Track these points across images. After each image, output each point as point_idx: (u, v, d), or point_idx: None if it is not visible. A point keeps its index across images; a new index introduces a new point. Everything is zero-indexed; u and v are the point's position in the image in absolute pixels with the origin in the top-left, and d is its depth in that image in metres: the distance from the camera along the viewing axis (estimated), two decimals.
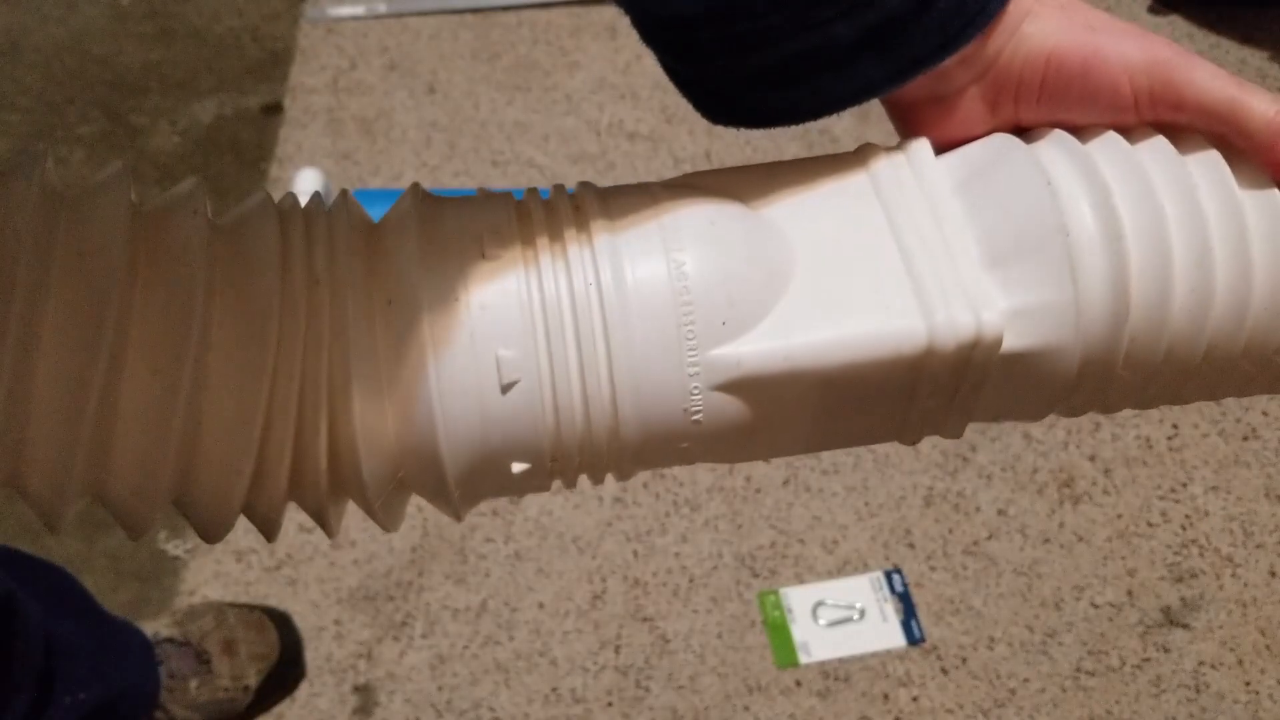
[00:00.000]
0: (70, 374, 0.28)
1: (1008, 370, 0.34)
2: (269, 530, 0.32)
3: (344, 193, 0.33)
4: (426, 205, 0.32)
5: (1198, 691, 0.94)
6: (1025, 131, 0.35)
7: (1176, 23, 1.42)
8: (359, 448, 0.30)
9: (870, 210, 0.33)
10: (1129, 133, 0.34)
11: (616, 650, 0.95)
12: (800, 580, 0.99)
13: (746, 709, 0.92)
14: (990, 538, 1.01)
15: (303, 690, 0.93)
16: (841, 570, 0.99)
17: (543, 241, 0.31)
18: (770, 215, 0.33)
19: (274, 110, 1.34)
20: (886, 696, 0.93)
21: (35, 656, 0.73)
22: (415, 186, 0.33)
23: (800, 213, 0.33)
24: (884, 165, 0.34)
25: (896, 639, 0.96)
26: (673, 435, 0.32)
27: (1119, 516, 1.03)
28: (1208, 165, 0.33)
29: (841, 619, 0.97)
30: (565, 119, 1.32)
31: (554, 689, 0.93)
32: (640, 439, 0.32)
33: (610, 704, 0.92)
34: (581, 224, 0.31)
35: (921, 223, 0.33)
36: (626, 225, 0.31)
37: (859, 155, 0.34)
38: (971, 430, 1.07)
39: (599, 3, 1.43)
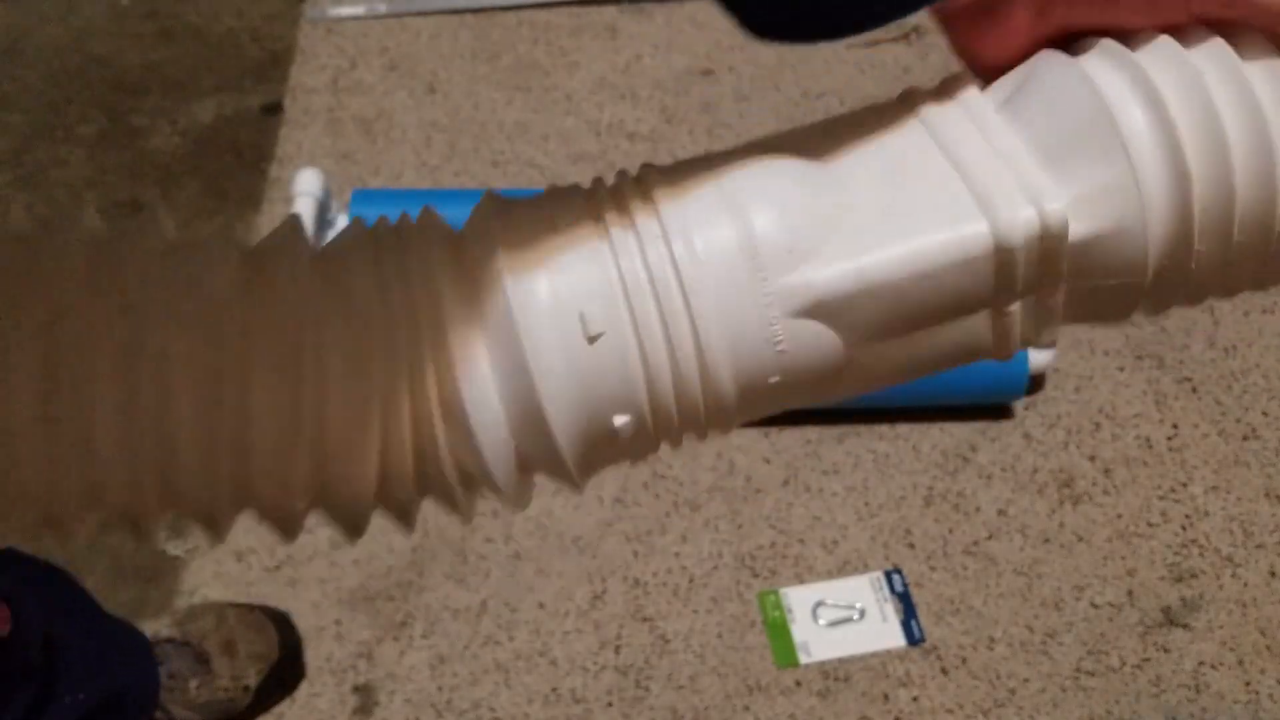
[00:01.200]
0: (284, 401, 0.31)
1: (1081, 262, 0.34)
2: (406, 522, 0.35)
3: (427, 209, 0.37)
4: (501, 202, 0.35)
5: (1198, 691, 0.94)
6: (1075, 41, 0.34)
7: None
8: (473, 428, 0.32)
9: (920, 137, 0.34)
10: (1181, 33, 0.33)
11: (616, 650, 0.95)
12: (800, 580, 0.99)
13: (746, 709, 0.92)
14: (990, 538, 1.01)
15: (303, 690, 0.93)
16: (841, 570, 0.99)
17: (610, 211, 0.33)
18: (825, 153, 0.34)
19: (274, 110, 1.34)
20: (886, 696, 0.93)
21: (36, 656, 0.73)
22: (489, 193, 0.36)
23: (854, 148, 0.34)
24: (926, 99, 0.35)
25: (896, 639, 0.96)
26: (762, 370, 0.33)
27: (1119, 516, 1.03)
28: (1262, 65, 0.33)
29: (841, 619, 0.97)
30: (565, 119, 1.32)
31: (554, 689, 0.93)
32: (731, 379, 0.33)
33: (610, 704, 0.92)
34: (645, 191, 0.33)
35: (971, 139, 0.34)
36: (687, 181, 0.33)
37: (901, 98, 0.35)
38: (971, 430, 1.07)
39: (599, 3, 1.43)
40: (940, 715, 0.92)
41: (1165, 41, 0.33)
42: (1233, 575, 1.00)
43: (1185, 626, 0.97)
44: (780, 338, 0.33)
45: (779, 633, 0.96)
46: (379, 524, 0.92)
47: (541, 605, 0.97)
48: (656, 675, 0.94)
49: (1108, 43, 0.33)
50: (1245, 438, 1.08)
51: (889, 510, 1.03)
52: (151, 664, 0.85)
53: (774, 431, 1.07)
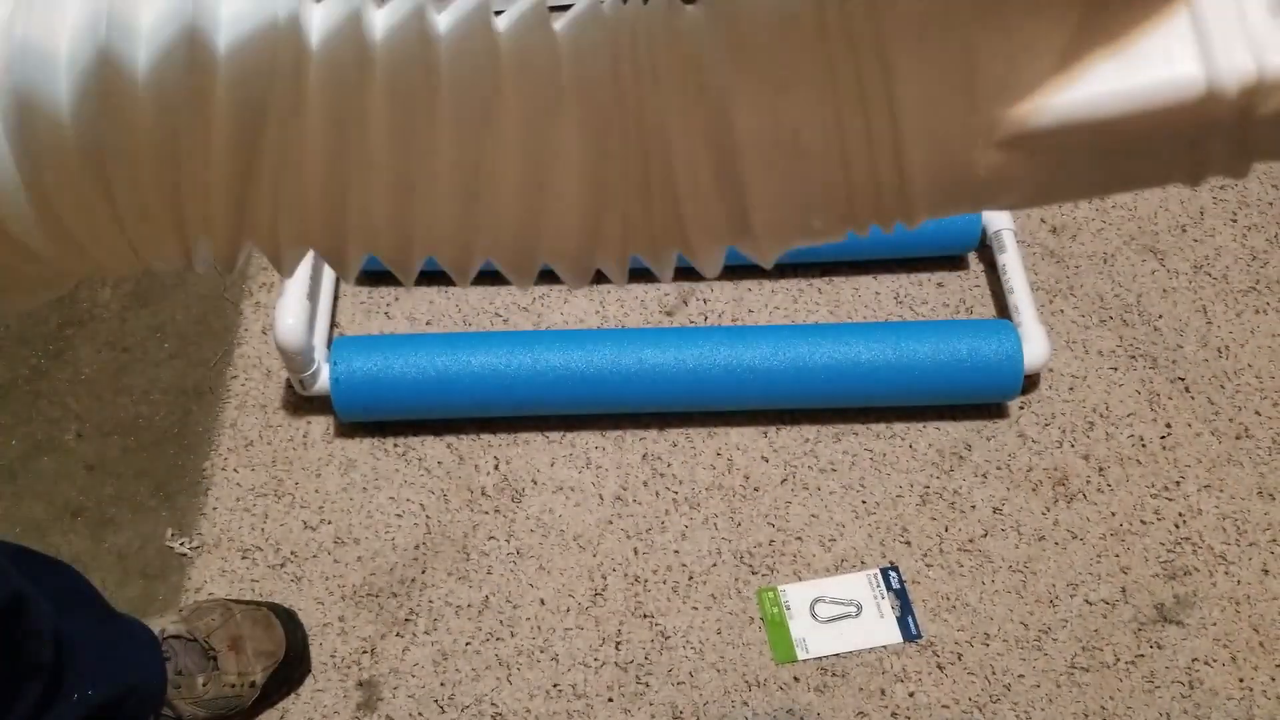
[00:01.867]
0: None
1: None
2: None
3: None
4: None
5: (1191, 688, 0.95)
6: None
7: None
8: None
9: None
10: None
11: (617, 646, 0.96)
12: (798, 577, 1.00)
13: (745, 704, 0.93)
14: (986, 535, 1.02)
15: (307, 686, 0.94)
16: (839, 567, 1.01)
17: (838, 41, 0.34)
18: None
19: None
20: (883, 692, 0.94)
21: (45, 653, 0.74)
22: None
23: None
24: None
25: (893, 635, 0.97)
26: (959, 185, 0.35)
27: (1113, 514, 1.04)
28: None
29: (839, 615, 0.98)
30: None
31: (555, 684, 0.94)
32: (931, 191, 0.35)
33: (611, 699, 0.93)
34: (875, 19, 0.34)
35: None
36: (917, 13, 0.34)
37: None
38: (967, 429, 1.08)
39: None
40: (936, 710, 0.93)
41: None
42: (1226, 573, 1.01)
43: (1179, 623, 0.98)
44: (983, 162, 0.34)
45: (777, 629, 0.97)
46: (380, 523, 0.95)
47: (543, 602, 0.98)
48: (656, 671, 0.95)
49: None
50: (1238, 437, 1.09)
51: (886, 508, 1.04)
52: (159, 661, 0.85)
53: (772, 430, 1.08)
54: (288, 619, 0.94)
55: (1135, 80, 0.33)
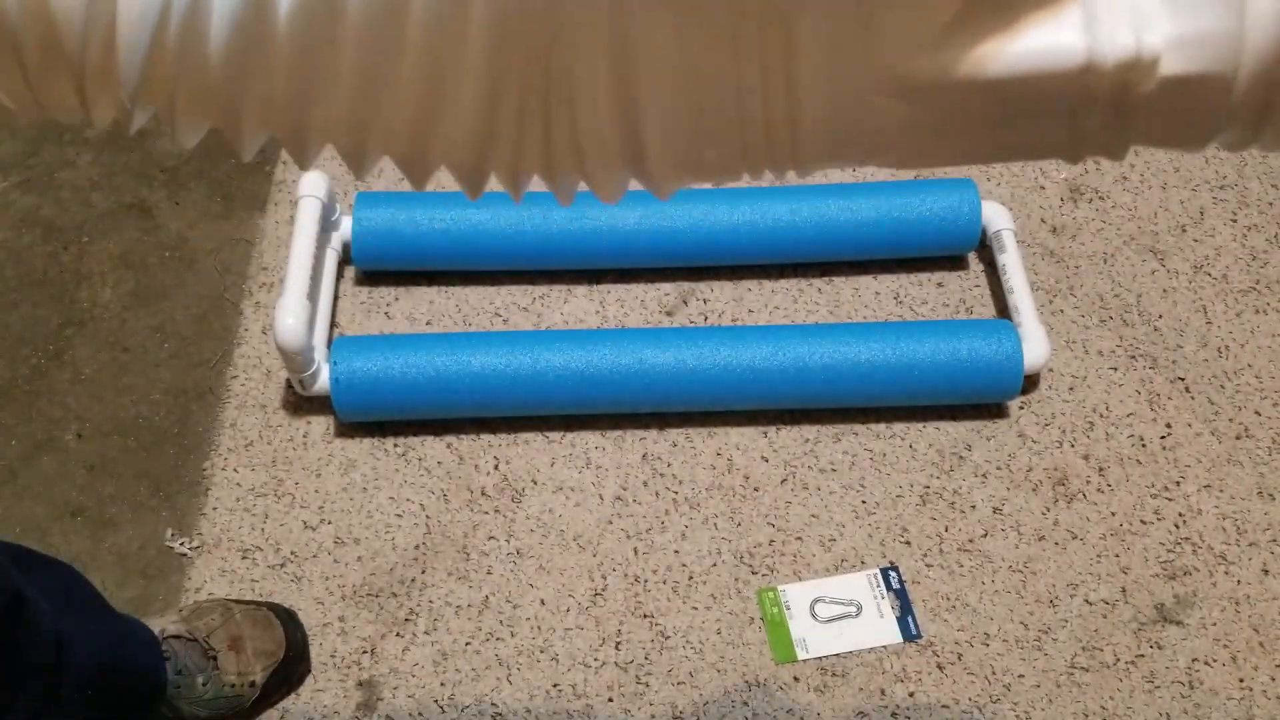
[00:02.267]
0: None
1: (1166, 95, 0.35)
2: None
3: None
4: None
5: (1191, 688, 0.95)
6: None
7: None
8: None
9: None
10: None
11: (617, 646, 0.96)
12: (798, 577, 1.00)
13: (745, 704, 0.93)
14: (986, 535, 1.02)
15: (307, 685, 0.94)
16: (839, 567, 1.01)
17: None
18: None
19: None
20: (883, 692, 0.94)
21: (45, 653, 0.74)
22: None
23: None
24: None
25: (893, 635, 0.97)
26: (852, 133, 0.36)
27: (1113, 514, 1.04)
28: None
29: (839, 615, 0.98)
30: None
31: (555, 684, 0.94)
32: (824, 136, 0.36)
33: (611, 699, 0.93)
34: None
35: None
36: None
37: None
38: (967, 429, 1.08)
39: None
40: (936, 711, 0.93)
41: None
42: (1226, 573, 1.01)
43: (1179, 623, 0.98)
44: (880, 108, 0.35)
45: (777, 629, 0.97)
46: (380, 523, 0.95)
47: (543, 602, 0.98)
48: (656, 671, 0.95)
49: None
50: (1238, 437, 1.09)
51: (886, 508, 1.04)
52: (159, 660, 0.85)
53: (772, 430, 1.08)
54: (288, 619, 0.94)
55: (1021, 44, 0.34)
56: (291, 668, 0.92)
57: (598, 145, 0.36)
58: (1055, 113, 0.36)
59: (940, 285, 1.19)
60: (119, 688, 0.80)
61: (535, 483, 1.05)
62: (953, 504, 1.04)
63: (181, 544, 1.02)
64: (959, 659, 0.96)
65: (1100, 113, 0.36)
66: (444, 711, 0.93)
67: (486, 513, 1.03)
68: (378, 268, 1.17)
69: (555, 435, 1.08)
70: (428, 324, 1.14)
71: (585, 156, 0.36)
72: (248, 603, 0.93)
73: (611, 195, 0.38)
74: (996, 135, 0.37)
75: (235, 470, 1.06)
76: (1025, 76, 0.35)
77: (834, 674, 0.95)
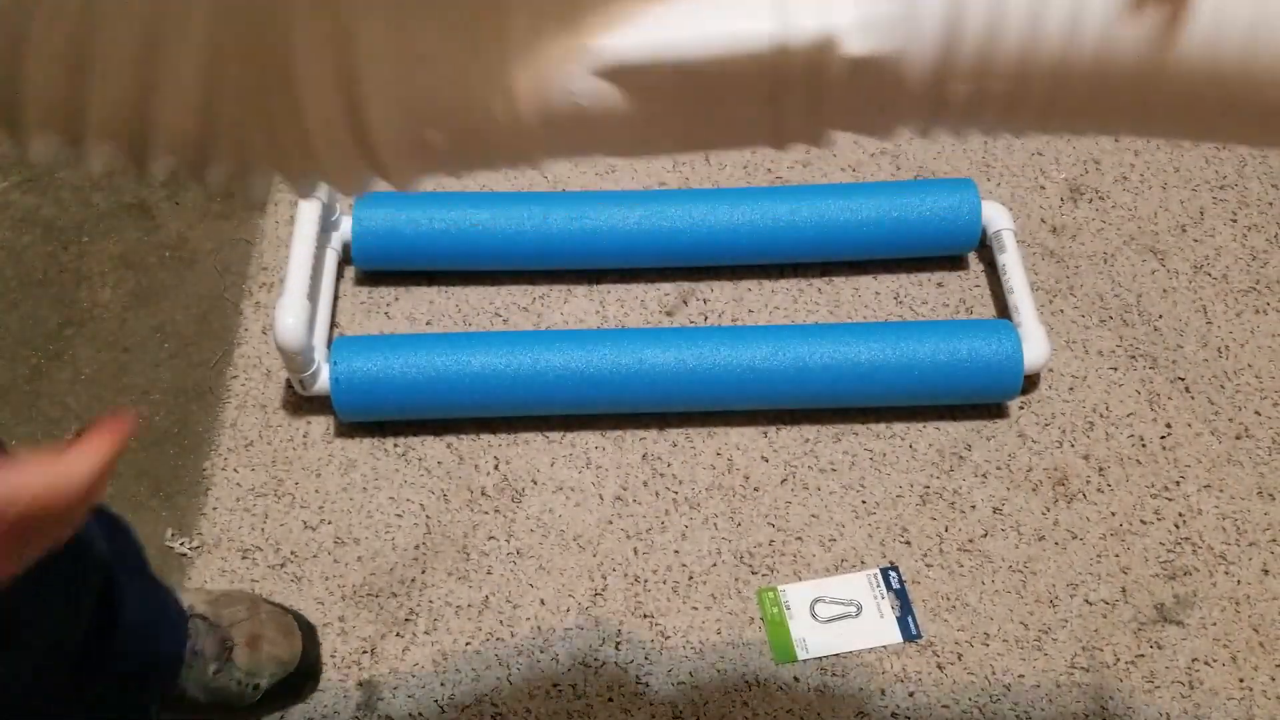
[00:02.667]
0: None
1: (852, 78, 0.37)
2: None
3: None
4: None
5: (1191, 688, 0.95)
6: None
7: None
8: None
9: None
10: None
11: (617, 646, 0.96)
12: (798, 577, 1.00)
13: (745, 704, 0.93)
14: (986, 535, 1.02)
15: (307, 685, 0.94)
16: (839, 567, 1.01)
17: None
18: None
19: None
20: (883, 692, 0.94)
21: (133, 648, 0.74)
22: None
23: None
24: None
25: (893, 635, 0.97)
26: (564, 115, 0.37)
27: (1113, 514, 1.04)
28: None
29: (839, 615, 0.98)
30: None
31: (555, 684, 0.94)
32: (538, 117, 0.37)
33: (610, 699, 0.93)
34: None
35: None
36: None
37: None
38: (967, 429, 1.08)
39: None
40: (936, 711, 0.93)
41: None
42: (1226, 573, 1.01)
43: (1179, 623, 0.98)
44: (581, 89, 0.37)
45: (777, 629, 0.97)
46: (380, 523, 0.95)
47: (543, 602, 0.98)
48: (656, 671, 0.95)
49: None
50: (1238, 437, 1.09)
51: (886, 508, 1.04)
52: (183, 638, 0.85)
53: (772, 430, 1.08)
54: (309, 632, 0.93)
55: (716, 27, 0.36)
56: (300, 681, 0.91)
57: (328, 138, 0.35)
58: (753, 96, 0.37)
59: (940, 285, 1.19)
60: (146, 654, 0.80)
61: (535, 483, 1.05)
62: (953, 504, 1.04)
63: (181, 544, 1.02)
64: (959, 659, 0.96)
65: (795, 97, 0.37)
66: (444, 711, 0.93)
67: (486, 513, 1.03)
68: (378, 268, 1.17)
69: (555, 435, 1.08)
70: (428, 324, 1.15)
71: (317, 148, 0.36)
72: (275, 605, 0.93)
73: (349, 187, 0.38)
74: (703, 119, 0.38)
75: (235, 470, 1.06)
76: (721, 58, 0.36)
77: (834, 674, 0.95)
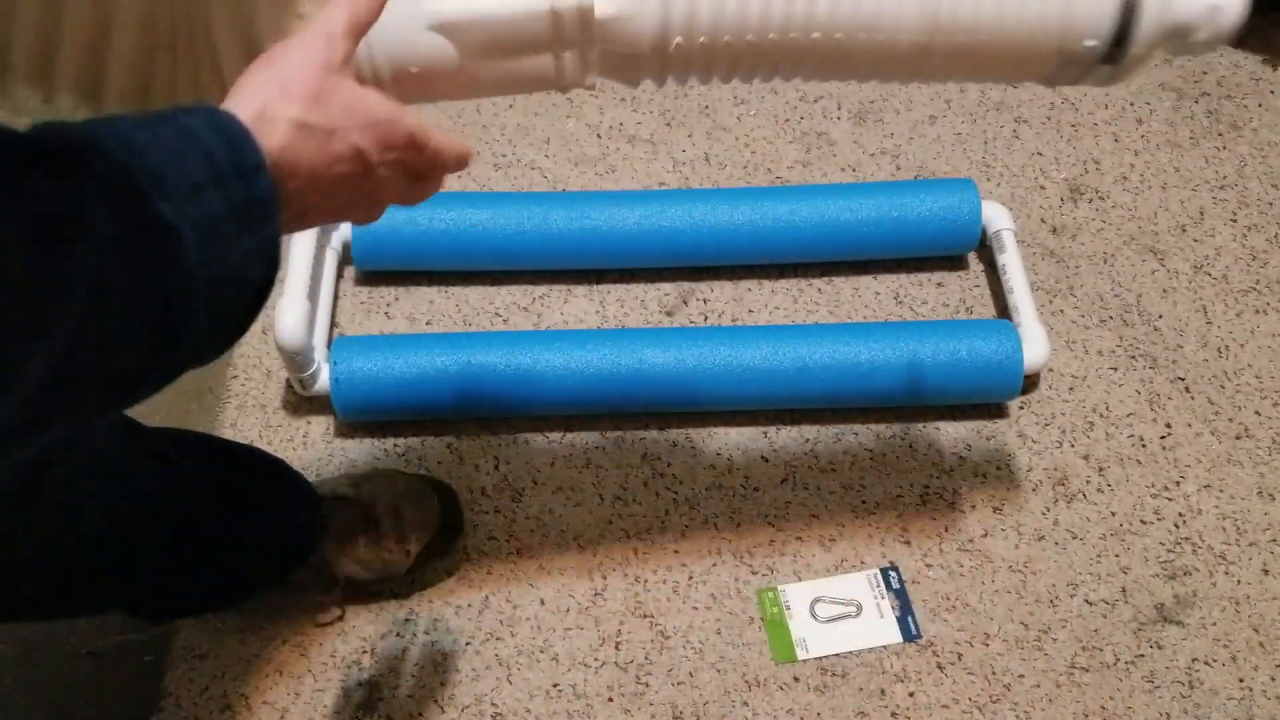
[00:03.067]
0: None
1: (605, 35, 0.55)
2: None
3: None
4: None
5: (1191, 688, 0.95)
6: None
7: None
8: None
9: None
10: None
11: (617, 646, 0.96)
12: (798, 577, 1.00)
13: (745, 704, 0.93)
14: (985, 535, 1.02)
15: (307, 685, 0.94)
16: (839, 567, 1.01)
17: None
18: None
19: None
20: (883, 692, 0.94)
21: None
22: None
23: None
24: None
25: (893, 635, 0.97)
26: (410, 64, 0.54)
27: (1113, 514, 1.04)
28: None
29: (839, 615, 0.98)
30: (566, 122, 1.33)
31: (555, 684, 0.94)
32: (389, 65, 0.54)
33: (610, 699, 0.93)
34: None
35: None
36: None
37: None
38: (967, 429, 1.08)
39: None
40: (936, 711, 0.93)
41: None
42: (1226, 573, 1.01)
43: (1179, 623, 0.98)
44: (422, 44, 0.54)
45: (777, 629, 0.97)
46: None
47: (542, 602, 0.98)
48: (656, 671, 0.95)
49: None
50: (1238, 437, 1.09)
51: (885, 508, 1.04)
52: (315, 516, 0.91)
53: (772, 430, 1.08)
54: (446, 495, 0.99)
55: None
56: (446, 540, 0.97)
57: (233, 73, 0.49)
58: (542, 48, 0.54)
59: (940, 285, 1.19)
60: (282, 531, 0.89)
61: (535, 483, 1.05)
62: (953, 504, 1.04)
63: None
64: (959, 659, 0.96)
65: (570, 49, 0.55)
66: (444, 711, 0.93)
67: (486, 513, 1.03)
68: (378, 268, 1.17)
69: (555, 435, 1.08)
70: (428, 324, 1.14)
71: (226, 80, 0.51)
72: (411, 475, 0.99)
73: None
74: (509, 70, 0.55)
75: None
76: (515, 18, 0.53)
77: (834, 674, 0.95)
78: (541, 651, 0.96)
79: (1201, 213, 1.26)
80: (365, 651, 0.96)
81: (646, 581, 1.00)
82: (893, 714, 0.93)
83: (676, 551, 1.01)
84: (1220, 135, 1.33)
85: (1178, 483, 1.06)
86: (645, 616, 0.98)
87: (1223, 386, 1.12)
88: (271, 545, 0.89)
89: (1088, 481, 1.06)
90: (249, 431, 1.08)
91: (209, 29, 0.47)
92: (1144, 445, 1.08)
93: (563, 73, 0.55)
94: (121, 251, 0.38)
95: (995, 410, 1.10)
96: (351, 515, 0.93)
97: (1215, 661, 0.96)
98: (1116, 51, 0.57)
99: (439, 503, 0.97)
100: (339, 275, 1.17)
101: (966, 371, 1.05)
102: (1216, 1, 0.60)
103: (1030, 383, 1.12)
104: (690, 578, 1.00)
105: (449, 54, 0.53)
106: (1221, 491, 1.06)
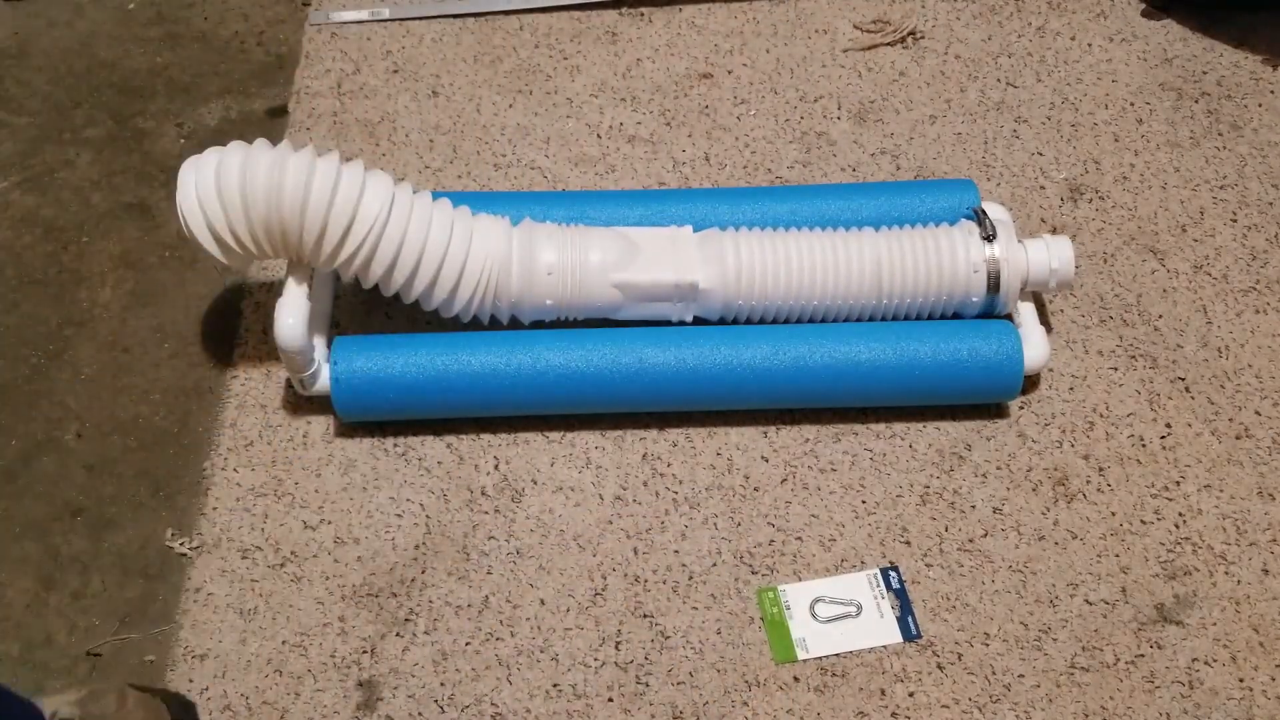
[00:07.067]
0: None
1: (701, 295, 1.02)
2: None
3: None
4: None
5: (1191, 688, 0.95)
6: None
7: (1171, 26, 1.43)
8: None
9: None
10: None
11: (617, 646, 0.96)
12: (798, 577, 1.00)
13: (745, 704, 0.93)
14: (985, 535, 1.02)
15: (307, 686, 0.94)
16: (839, 567, 1.01)
17: None
18: None
19: (279, 113, 1.36)
20: (883, 692, 0.94)
21: None
22: None
23: None
24: None
25: (893, 635, 0.97)
26: (595, 301, 0.90)
27: (1113, 514, 1.04)
28: None
29: (839, 615, 0.98)
30: (566, 122, 1.33)
31: (555, 684, 0.94)
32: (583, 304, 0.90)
33: (610, 699, 0.93)
34: None
35: None
36: None
37: None
38: (967, 429, 1.08)
39: (600, 8, 1.45)
40: (936, 710, 0.93)
41: None
42: (1226, 573, 1.01)
43: (1179, 623, 0.98)
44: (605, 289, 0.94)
45: (777, 629, 0.97)
46: (380, 523, 0.96)
47: (543, 602, 0.98)
48: (656, 671, 0.95)
49: None
50: (1238, 437, 1.09)
51: (886, 508, 1.04)
52: None
53: (772, 430, 1.08)
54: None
55: (656, 274, 0.90)
56: None
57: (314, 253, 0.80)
58: (666, 300, 0.91)
59: None
60: None
61: (535, 483, 1.05)
62: (953, 504, 1.04)
63: (181, 544, 1.02)
64: (959, 659, 0.96)
65: (684, 301, 0.86)
66: (444, 711, 0.93)
67: (486, 513, 1.03)
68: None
69: (555, 435, 1.08)
70: (428, 324, 1.15)
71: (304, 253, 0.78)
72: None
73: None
74: (646, 307, 0.89)
75: (235, 470, 1.06)
76: (654, 283, 0.92)
77: (834, 674, 0.95)
78: (541, 651, 0.96)
79: (1201, 213, 1.26)
80: (365, 651, 0.96)
81: (646, 581, 1.00)
82: (893, 714, 0.93)
83: (676, 551, 1.01)
84: (1220, 135, 1.33)
85: (1178, 483, 1.06)
86: (645, 616, 0.98)
87: (1223, 386, 1.12)
88: None
89: (1088, 481, 1.06)
90: (249, 431, 1.08)
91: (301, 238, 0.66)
92: (1144, 445, 1.08)
93: (674, 311, 1.03)
94: None
95: (995, 410, 1.10)
96: None
97: (1215, 661, 0.96)
98: (995, 299, 1.07)
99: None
100: (339, 275, 1.17)
101: (966, 371, 1.05)
102: (1054, 266, 1.07)
103: (1030, 383, 1.12)
104: (690, 578, 1.00)
105: (617, 296, 1.03)
106: (1221, 491, 1.06)
